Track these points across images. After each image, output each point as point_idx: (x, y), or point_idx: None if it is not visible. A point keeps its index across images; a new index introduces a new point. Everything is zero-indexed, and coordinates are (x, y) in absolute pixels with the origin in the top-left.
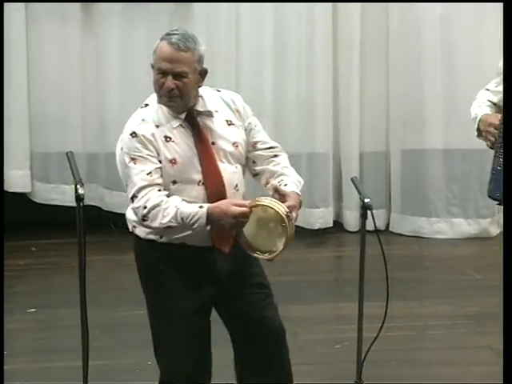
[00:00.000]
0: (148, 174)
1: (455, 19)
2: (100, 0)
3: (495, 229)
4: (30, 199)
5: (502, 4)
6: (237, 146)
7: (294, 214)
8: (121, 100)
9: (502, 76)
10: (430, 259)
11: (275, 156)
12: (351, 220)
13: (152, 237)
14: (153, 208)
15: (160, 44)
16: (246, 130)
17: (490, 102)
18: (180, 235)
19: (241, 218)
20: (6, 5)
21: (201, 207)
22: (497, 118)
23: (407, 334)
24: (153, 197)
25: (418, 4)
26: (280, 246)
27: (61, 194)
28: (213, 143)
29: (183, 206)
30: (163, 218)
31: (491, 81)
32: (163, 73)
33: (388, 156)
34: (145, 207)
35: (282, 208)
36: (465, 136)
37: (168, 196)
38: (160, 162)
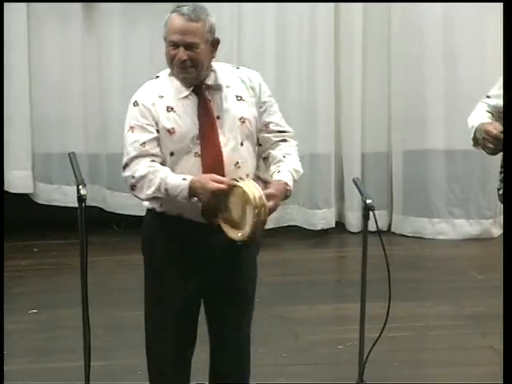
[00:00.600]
0: (142, 144)
1: (457, 20)
2: (102, 0)
3: (497, 229)
4: (32, 200)
5: (502, 4)
6: (243, 122)
7: (270, 203)
8: (123, 100)
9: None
10: (432, 260)
11: (282, 141)
12: (353, 221)
13: (153, 206)
14: (140, 178)
15: (171, 16)
16: (261, 108)
17: (488, 111)
18: (175, 206)
19: (218, 194)
20: (8, 5)
21: (184, 179)
22: (492, 126)
23: (409, 335)
24: (141, 167)
25: (420, 4)
26: (247, 229)
27: (63, 195)
28: (218, 117)
29: (169, 178)
30: (148, 189)
31: (493, 84)
32: (175, 44)
33: (390, 157)
34: (133, 177)
35: (256, 193)
36: (466, 137)
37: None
38: (158, 131)
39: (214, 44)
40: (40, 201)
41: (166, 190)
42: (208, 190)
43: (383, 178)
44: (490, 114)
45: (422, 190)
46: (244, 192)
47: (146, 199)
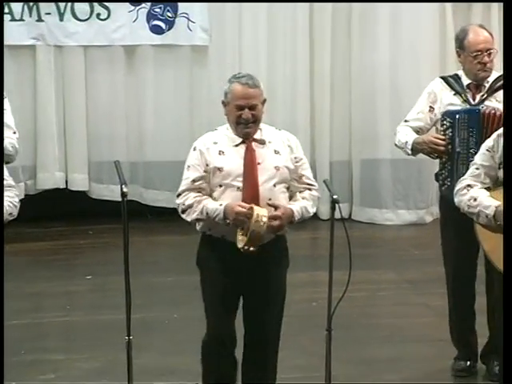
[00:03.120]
0: (192, 180)
1: (400, 65)
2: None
3: (429, 217)
4: (88, 196)
5: (434, 51)
6: (278, 169)
7: (276, 222)
8: (154, 122)
9: (419, 106)
10: (381, 240)
11: (307, 189)
12: (324, 211)
13: (204, 230)
14: (188, 207)
15: (233, 86)
16: (297, 162)
17: (413, 131)
18: (219, 229)
19: (240, 216)
20: (69, 51)
21: (220, 205)
22: (429, 136)
23: (364, 295)
24: (189, 198)
25: (373, 52)
26: (245, 238)
27: (110, 192)
28: (259, 163)
29: (209, 204)
30: (193, 214)
31: (411, 112)
32: (241, 107)
33: (350, 164)
34: (183, 204)
35: (261, 212)
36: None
37: (213, 195)
38: (206, 171)
39: (264, 103)
40: (94, 196)
41: (207, 213)
42: (234, 211)
43: (346, 179)
44: (415, 132)
45: (374, 188)
46: (253, 211)
47: (192, 221)
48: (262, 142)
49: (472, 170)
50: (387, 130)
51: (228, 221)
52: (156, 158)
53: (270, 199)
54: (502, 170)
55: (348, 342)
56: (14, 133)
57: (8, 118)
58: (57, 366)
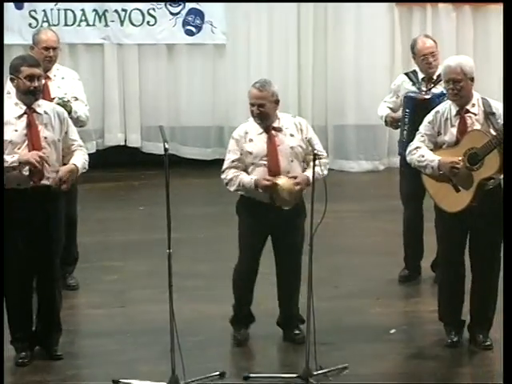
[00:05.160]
0: (232, 161)
1: (360, 60)
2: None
3: (382, 166)
4: (141, 150)
5: (385, 50)
6: (293, 149)
7: (297, 187)
8: (187, 99)
9: (391, 94)
10: (348, 182)
11: (316, 159)
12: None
13: (243, 193)
14: (230, 180)
15: (250, 89)
16: (307, 140)
17: (388, 108)
18: (252, 194)
19: (267, 188)
20: (127, 48)
21: (251, 179)
22: (393, 115)
23: (335, 221)
24: (230, 173)
25: (342, 52)
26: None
27: (156, 148)
28: (278, 145)
29: (244, 178)
30: (233, 186)
31: (387, 96)
32: (252, 105)
33: (326, 128)
34: (226, 178)
35: (284, 182)
36: (367, 118)
37: (246, 171)
38: (241, 154)
39: (277, 102)
40: (144, 151)
41: (243, 185)
42: (261, 185)
43: (323, 139)
44: (389, 108)
45: (343, 145)
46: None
47: (234, 191)
48: (279, 130)
49: (418, 137)
50: (352, 105)
51: (258, 190)
52: (188, 124)
53: (288, 172)
54: (440, 137)
55: (322, 253)
56: (86, 105)
57: (81, 94)
58: (117, 270)
